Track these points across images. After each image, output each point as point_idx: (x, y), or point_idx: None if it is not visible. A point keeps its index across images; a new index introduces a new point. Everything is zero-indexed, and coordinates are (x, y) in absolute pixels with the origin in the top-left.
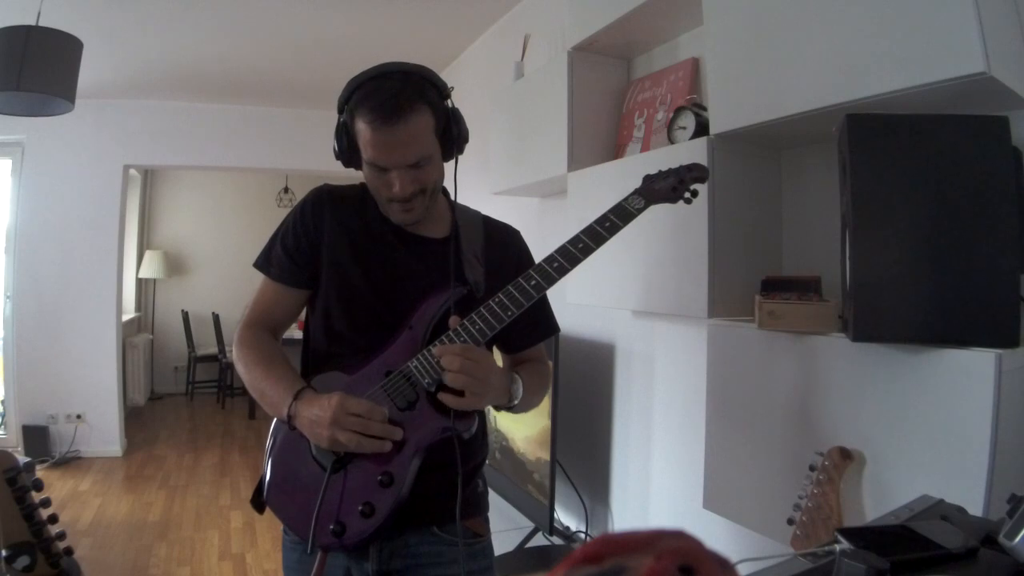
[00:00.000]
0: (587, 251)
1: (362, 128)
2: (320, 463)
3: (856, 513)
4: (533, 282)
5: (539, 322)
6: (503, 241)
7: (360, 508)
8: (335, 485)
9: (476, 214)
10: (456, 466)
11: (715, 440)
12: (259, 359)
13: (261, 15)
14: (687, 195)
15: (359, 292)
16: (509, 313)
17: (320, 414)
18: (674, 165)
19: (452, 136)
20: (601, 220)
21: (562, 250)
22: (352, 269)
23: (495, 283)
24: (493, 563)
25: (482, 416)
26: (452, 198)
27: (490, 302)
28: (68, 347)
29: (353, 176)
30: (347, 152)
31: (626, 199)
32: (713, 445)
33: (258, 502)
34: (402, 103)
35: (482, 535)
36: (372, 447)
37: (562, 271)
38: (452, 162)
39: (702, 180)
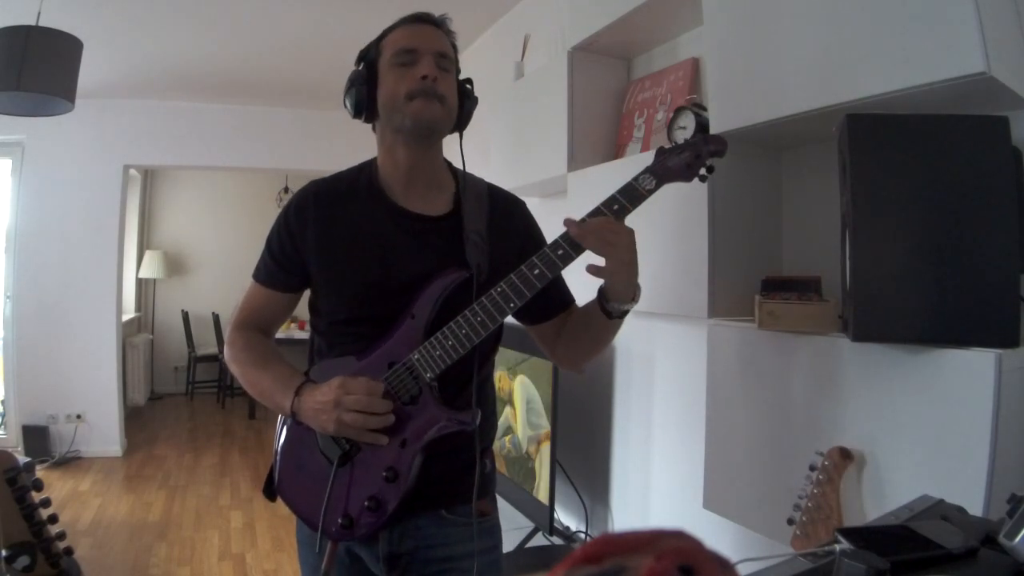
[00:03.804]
0: None
1: (393, 35)
2: (326, 456)
3: (856, 513)
4: (537, 271)
5: (562, 291)
6: (508, 212)
7: (367, 504)
8: (342, 478)
9: (481, 183)
10: (460, 452)
11: (715, 440)
12: (254, 359)
13: (261, 15)
14: (703, 172)
15: (356, 286)
16: (512, 305)
17: (323, 399)
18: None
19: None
20: (609, 202)
21: (567, 236)
22: (346, 264)
23: (499, 263)
24: (500, 541)
25: (491, 397)
26: (461, 167)
27: (492, 292)
28: (68, 347)
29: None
30: (365, 84)
31: (636, 178)
32: (713, 445)
33: (270, 491)
34: (440, 18)
35: (489, 514)
36: (376, 423)
37: (567, 258)
38: (457, 145)
39: (720, 154)
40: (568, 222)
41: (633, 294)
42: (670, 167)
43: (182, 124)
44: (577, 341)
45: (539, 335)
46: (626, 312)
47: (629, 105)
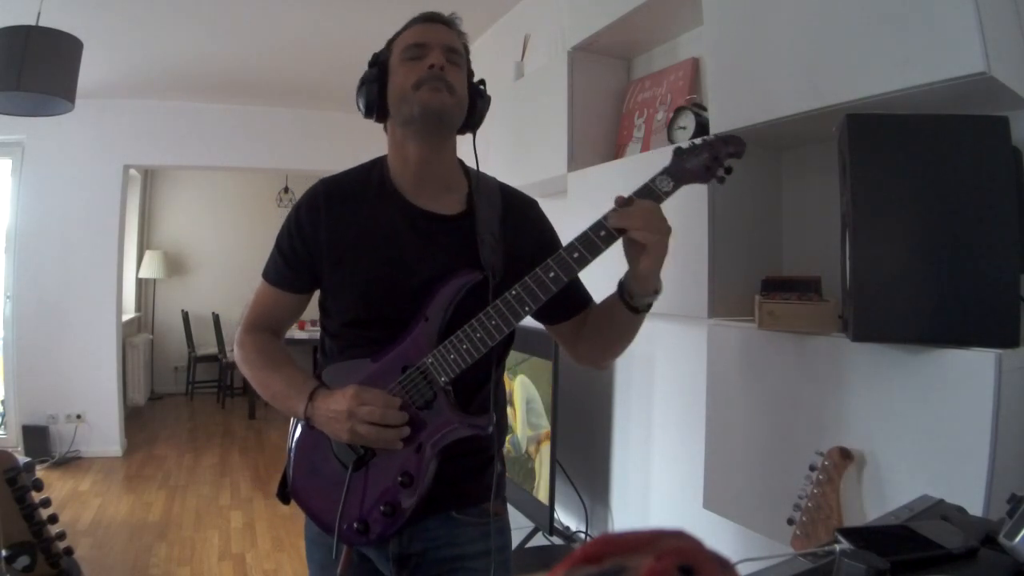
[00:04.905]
0: (610, 239)
1: (403, 35)
2: (341, 460)
3: (856, 513)
4: (552, 274)
5: (579, 290)
6: (522, 213)
7: (382, 509)
8: (357, 483)
9: (493, 182)
10: (472, 455)
11: (715, 440)
12: (266, 361)
13: (261, 15)
14: (721, 173)
15: (367, 287)
16: (527, 308)
17: (337, 408)
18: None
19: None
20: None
21: (583, 238)
22: (357, 264)
23: (512, 263)
24: (510, 541)
25: (502, 400)
26: (474, 168)
27: (507, 295)
28: (68, 347)
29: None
30: (375, 82)
31: (653, 180)
32: (713, 445)
33: (284, 494)
34: (449, 17)
35: (501, 515)
36: (391, 435)
37: (583, 261)
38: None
39: (738, 155)
40: (619, 199)
41: (656, 287)
42: (688, 168)
43: (182, 124)
44: (600, 338)
45: (558, 334)
46: (650, 305)
47: (629, 105)
